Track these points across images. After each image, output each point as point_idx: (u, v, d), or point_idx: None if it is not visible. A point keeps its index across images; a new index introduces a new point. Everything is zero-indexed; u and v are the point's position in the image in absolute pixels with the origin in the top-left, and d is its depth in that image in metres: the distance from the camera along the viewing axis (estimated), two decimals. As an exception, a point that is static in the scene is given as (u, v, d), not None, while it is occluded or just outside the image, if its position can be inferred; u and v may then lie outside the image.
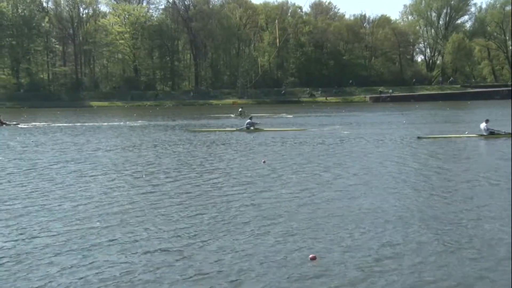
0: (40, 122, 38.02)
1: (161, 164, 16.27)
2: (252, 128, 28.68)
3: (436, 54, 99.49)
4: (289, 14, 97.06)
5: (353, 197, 11.07)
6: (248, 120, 29.65)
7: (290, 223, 9.02)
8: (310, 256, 7.26)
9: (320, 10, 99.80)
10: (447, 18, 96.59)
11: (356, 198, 10.97)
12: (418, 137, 23.03)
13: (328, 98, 79.50)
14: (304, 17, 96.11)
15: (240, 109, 45.74)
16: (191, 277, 6.64)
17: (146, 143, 23.13)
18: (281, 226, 8.81)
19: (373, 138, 23.43)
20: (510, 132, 23.00)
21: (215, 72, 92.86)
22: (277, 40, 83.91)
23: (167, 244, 7.93)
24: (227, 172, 14.50)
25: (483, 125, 23.28)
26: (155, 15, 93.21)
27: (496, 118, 32.20)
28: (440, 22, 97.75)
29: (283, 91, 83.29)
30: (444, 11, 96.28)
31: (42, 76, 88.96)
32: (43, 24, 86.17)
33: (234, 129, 29.21)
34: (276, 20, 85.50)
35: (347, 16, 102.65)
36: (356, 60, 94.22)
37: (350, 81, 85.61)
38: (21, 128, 33.46)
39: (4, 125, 34.57)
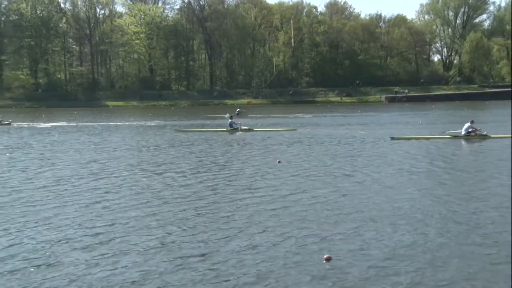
0: (58, 122, 38.48)
1: (178, 165, 16.36)
2: (239, 128, 28.45)
3: (453, 53, 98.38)
4: (304, 14, 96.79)
5: (372, 198, 10.99)
6: (230, 121, 29.39)
7: (309, 223, 9.01)
8: (325, 256, 7.25)
9: (335, 9, 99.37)
10: (465, 17, 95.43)
11: (375, 199, 10.89)
12: (392, 138, 22.80)
13: (343, 98, 79.28)
14: (319, 17, 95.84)
15: (237, 110, 46.44)
16: (210, 277, 6.66)
17: (163, 142, 23.28)
18: (299, 227, 8.80)
19: (390, 138, 23.24)
20: (485, 133, 22.71)
21: (230, 72, 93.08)
22: (292, 40, 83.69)
23: (187, 244, 7.95)
24: (242, 173, 14.53)
25: (466, 125, 22.93)
26: (171, 15, 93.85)
27: (496, 120, 31.83)
28: (458, 21, 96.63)
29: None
30: (462, 10, 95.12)
31: (59, 76, 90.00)
32: (60, 25, 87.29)
33: (224, 129, 28.98)
34: (291, 20, 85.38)
35: (362, 16, 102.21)
36: (371, 60, 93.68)
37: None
38: (41, 127, 33.90)
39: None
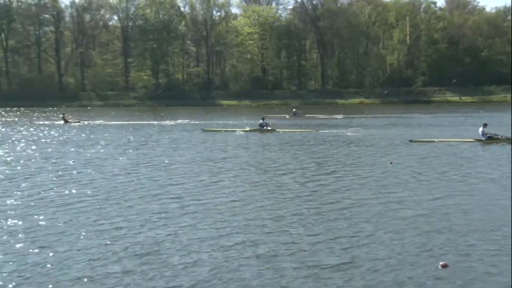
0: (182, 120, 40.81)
1: (282, 165, 16.59)
2: (266, 128, 28.96)
3: None
4: (421, 10, 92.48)
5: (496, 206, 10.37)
6: (261, 121, 29.70)
7: (424, 227, 8.76)
8: (441, 263, 6.95)
9: (456, 4, 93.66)
10: None
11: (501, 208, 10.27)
12: (410, 140, 22.05)
13: (462, 98, 74.47)
14: (438, 13, 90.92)
15: (293, 110, 47.90)
16: (314, 278, 6.71)
17: (276, 142, 23.76)
18: (414, 231, 8.60)
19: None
20: (509, 136, 21.12)
21: (342, 71, 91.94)
22: (408, 38, 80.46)
23: (291, 246, 8.01)
24: (356, 173, 14.42)
25: (480, 130, 21.63)
26: (284, 15, 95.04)
27: None
28: None
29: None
30: None
31: (177, 76, 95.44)
32: (180, 28, 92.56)
33: (248, 129, 29.40)
34: (407, 17, 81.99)
35: (487, 9, 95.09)
36: (496, 56, 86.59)
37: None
38: (164, 125, 36.27)
39: (68, 123, 37.77)
